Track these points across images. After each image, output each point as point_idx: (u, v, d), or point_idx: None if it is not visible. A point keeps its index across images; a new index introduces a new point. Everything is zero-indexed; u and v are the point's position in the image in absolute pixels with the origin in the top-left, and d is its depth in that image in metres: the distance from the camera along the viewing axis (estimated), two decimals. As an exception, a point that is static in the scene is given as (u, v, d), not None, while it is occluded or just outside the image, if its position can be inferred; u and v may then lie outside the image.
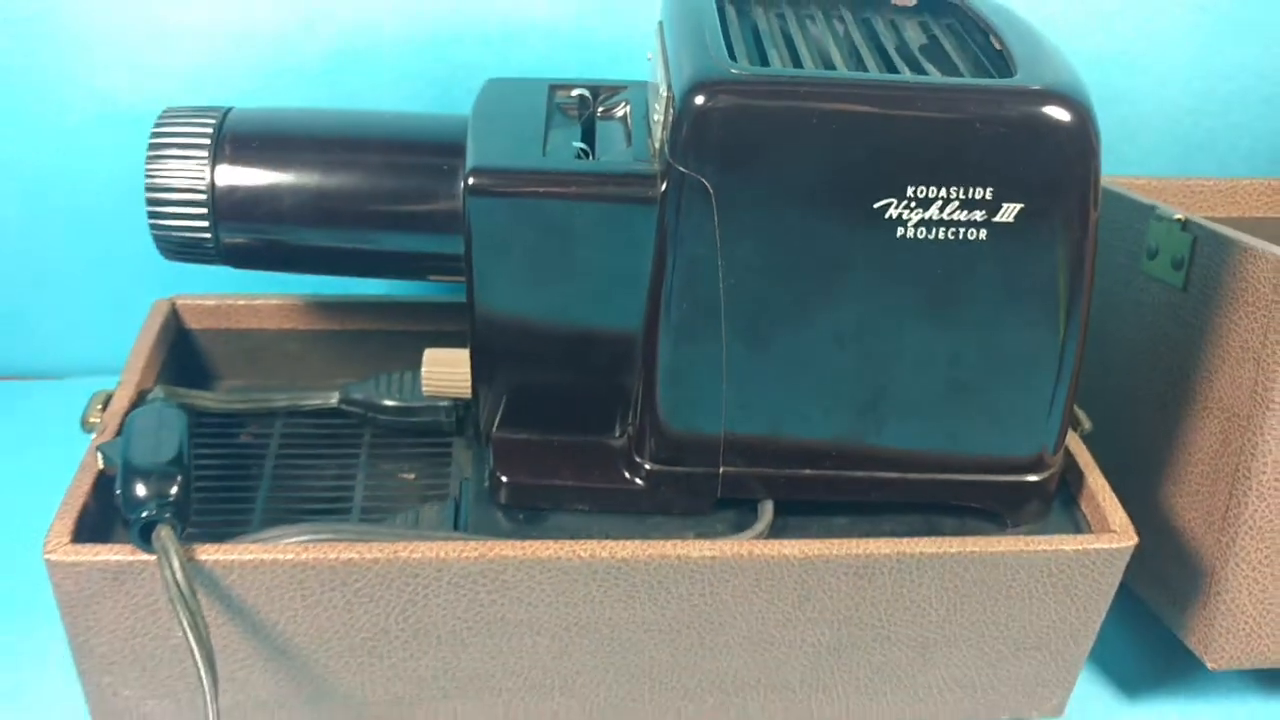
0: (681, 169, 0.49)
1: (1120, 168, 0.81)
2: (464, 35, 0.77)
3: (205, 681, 0.48)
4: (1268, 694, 0.66)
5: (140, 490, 0.51)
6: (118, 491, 0.51)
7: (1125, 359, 0.67)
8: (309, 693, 0.55)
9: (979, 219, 0.50)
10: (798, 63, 0.53)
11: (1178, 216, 0.62)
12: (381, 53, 0.77)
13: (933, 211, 0.50)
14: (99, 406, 0.59)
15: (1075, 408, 0.60)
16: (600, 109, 0.61)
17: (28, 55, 0.76)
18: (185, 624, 0.48)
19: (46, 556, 0.50)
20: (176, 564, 0.49)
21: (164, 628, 0.52)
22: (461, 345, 0.59)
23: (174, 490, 0.51)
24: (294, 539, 0.52)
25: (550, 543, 0.52)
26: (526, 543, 0.52)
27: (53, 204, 0.81)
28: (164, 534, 0.49)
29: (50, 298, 0.83)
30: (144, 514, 0.50)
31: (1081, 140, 0.49)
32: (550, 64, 0.78)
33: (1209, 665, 0.61)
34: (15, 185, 0.80)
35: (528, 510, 0.57)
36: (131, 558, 0.50)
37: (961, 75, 0.53)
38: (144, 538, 0.50)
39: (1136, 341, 0.66)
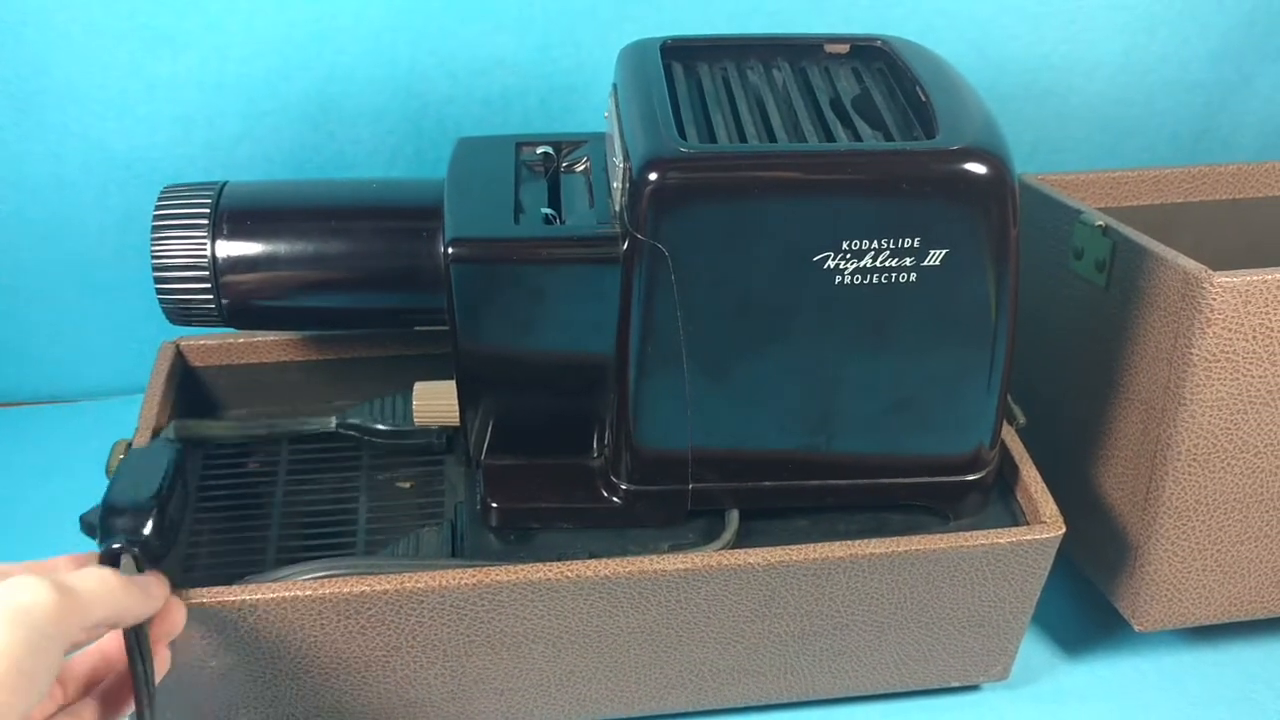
0: (640, 236, 0.54)
1: (1054, 155, 0.84)
2: (431, 72, 0.79)
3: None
4: (1188, 648, 0.71)
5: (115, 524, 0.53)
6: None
7: (1056, 354, 0.71)
8: (330, 705, 0.60)
9: (909, 264, 0.54)
10: (740, 129, 0.57)
11: (1099, 223, 0.65)
12: (356, 92, 0.79)
13: (866, 261, 0.54)
14: (119, 455, 0.62)
15: (1010, 402, 0.63)
16: (564, 164, 0.64)
17: (23, 112, 0.78)
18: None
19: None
20: None
21: (199, 658, 0.57)
22: (447, 371, 0.63)
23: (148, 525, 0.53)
24: (310, 575, 0.56)
25: (540, 565, 0.57)
26: (519, 566, 0.56)
27: (57, 247, 0.83)
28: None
29: (58, 330, 0.86)
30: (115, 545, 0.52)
31: (999, 190, 0.53)
32: (515, 94, 0.79)
33: (1136, 627, 0.66)
34: (22, 230, 0.82)
35: (518, 531, 0.61)
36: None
37: (889, 130, 0.57)
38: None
39: (1066, 337, 0.69)
